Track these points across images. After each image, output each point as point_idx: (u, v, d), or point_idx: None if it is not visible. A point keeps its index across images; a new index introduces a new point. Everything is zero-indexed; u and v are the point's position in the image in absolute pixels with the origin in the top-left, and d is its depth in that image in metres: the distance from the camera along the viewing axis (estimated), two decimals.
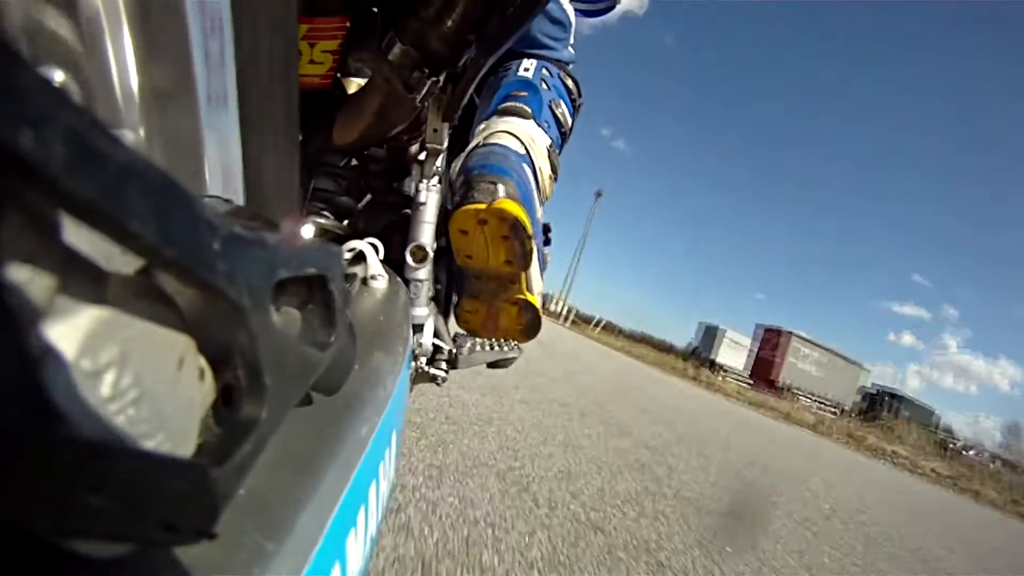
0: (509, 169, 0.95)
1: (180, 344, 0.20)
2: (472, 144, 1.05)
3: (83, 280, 0.16)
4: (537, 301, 1.00)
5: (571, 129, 1.25)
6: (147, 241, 0.13)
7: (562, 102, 1.24)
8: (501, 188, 0.91)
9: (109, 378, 0.16)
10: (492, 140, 1.03)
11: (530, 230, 0.91)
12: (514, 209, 0.89)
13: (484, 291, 1.00)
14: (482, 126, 1.08)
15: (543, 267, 1.03)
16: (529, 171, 1.01)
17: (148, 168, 0.12)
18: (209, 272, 0.15)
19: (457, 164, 1.03)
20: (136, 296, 0.18)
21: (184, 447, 0.20)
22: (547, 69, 1.25)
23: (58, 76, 0.22)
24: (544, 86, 1.21)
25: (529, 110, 1.10)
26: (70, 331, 0.15)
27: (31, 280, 0.15)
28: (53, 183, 0.11)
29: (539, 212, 1.01)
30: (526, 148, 1.03)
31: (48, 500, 0.10)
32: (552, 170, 1.08)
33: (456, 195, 0.94)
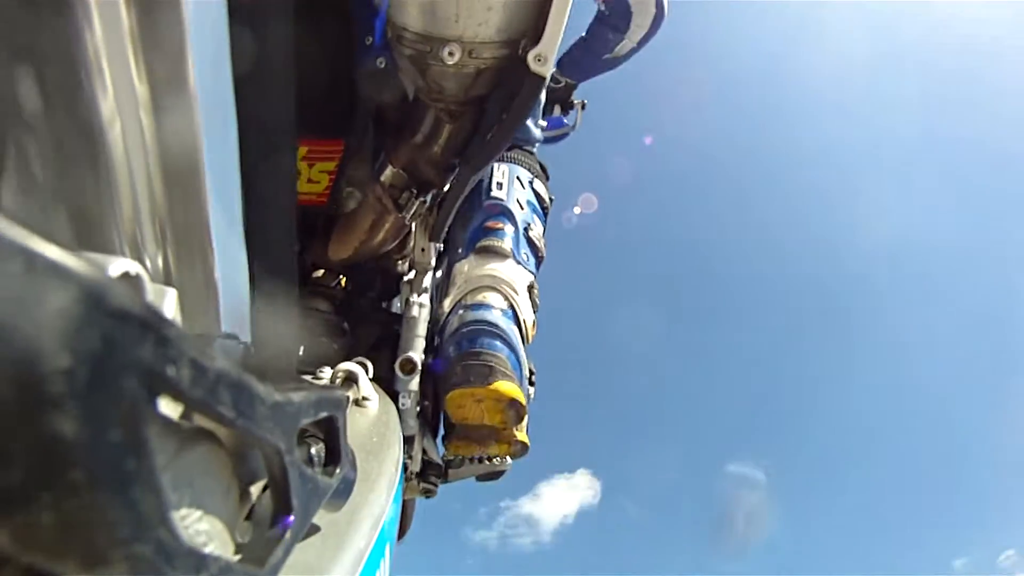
0: (500, 343, 1.02)
1: (227, 475, 0.27)
2: (457, 295, 1.12)
3: (169, 435, 0.23)
4: (526, 437, 1.04)
5: (545, 245, 1.34)
6: (228, 418, 0.20)
7: (536, 218, 1.34)
8: (495, 367, 0.98)
9: (185, 503, 0.23)
10: (477, 300, 1.10)
11: (524, 402, 0.97)
12: (509, 391, 0.96)
13: (474, 434, 1.04)
14: (464, 271, 1.16)
15: (528, 401, 1.08)
16: (516, 330, 1.08)
17: (230, 371, 0.20)
18: (259, 429, 0.22)
19: (447, 310, 1.10)
20: (196, 442, 0.25)
21: (226, 553, 0.26)
22: (519, 178, 1.34)
23: (134, 268, 0.29)
24: (518, 206, 1.31)
25: (507, 247, 1.19)
26: (168, 475, 0.21)
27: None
28: (182, 392, 0.18)
29: (525, 362, 1.07)
30: (510, 302, 1.11)
31: None
32: (534, 310, 1.16)
33: (451, 375, 1.00)
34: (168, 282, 0.42)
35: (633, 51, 1.49)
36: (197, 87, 0.38)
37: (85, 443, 0.15)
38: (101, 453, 0.15)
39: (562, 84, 1.74)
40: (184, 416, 0.27)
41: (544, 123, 1.76)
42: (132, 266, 0.32)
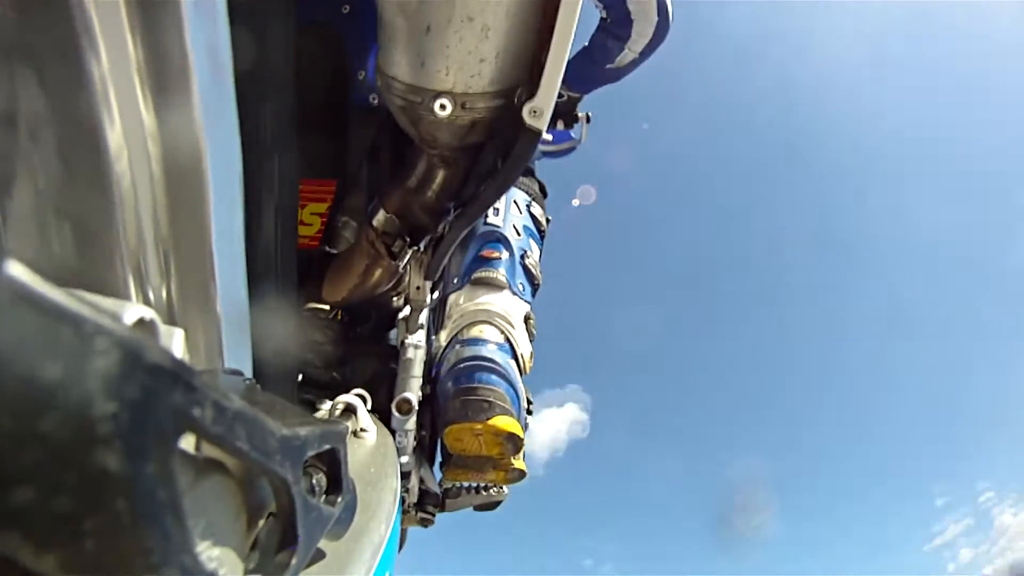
0: (497, 377, 1.04)
1: (236, 504, 0.29)
2: (453, 329, 1.13)
3: (187, 467, 0.25)
4: (523, 464, 1.06)
5: (540, 272, 1.35)
6: (243, 452, 0.22)
7: (533, 243, 1.35)
8: (494, 402, 1.00)
9: (200, 530, 0.24)
10: (473, 335, 1.12)
11: (522, 435, 0.99)
12: (508, 426, 0.98)
13: (473, 464, 1.06)
14: (460, 303, 1.18)
15: (525, 431, 1.09)
16: (513, 363, 1.10)
17: (246, 410, 0.22)
18: (271, 462, 0.24)
19: (443, 343, 1.11)
20: (209, 473, 0.27)
21: None
22: (516, 201, 1.34)
23: (148, 314, 0.31)
24: (514, 233, 1.32)
25: (503, 278, 1.21)
26: (186, 504, 0.23)
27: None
28: (205, 430, 0.20)
29: (523, 394, 1.09)
30: (506, 336, 1.13)
31: None
32: (531, 340, 1.18)
33: (449, 410, 1.01)
34: (172, 317, 0.42)
35: (636, 62, 1.46)
36: (202, 115, 0.39)
37: (125, 476, 0.17)
38: (138, 485, 0.17)
39: (565, 97, 1.70)
40: (196, 447, 0.29)
41: (549, 137, 1.75)
42: (145, 312, 0.34)
